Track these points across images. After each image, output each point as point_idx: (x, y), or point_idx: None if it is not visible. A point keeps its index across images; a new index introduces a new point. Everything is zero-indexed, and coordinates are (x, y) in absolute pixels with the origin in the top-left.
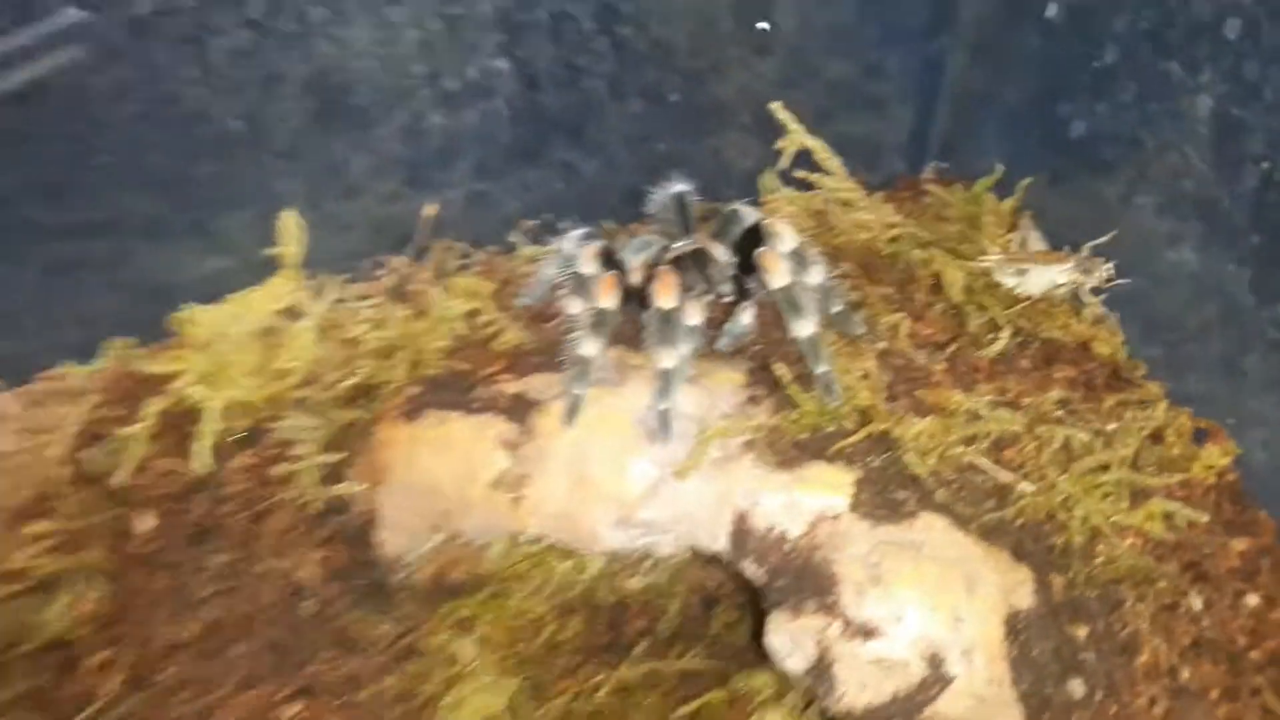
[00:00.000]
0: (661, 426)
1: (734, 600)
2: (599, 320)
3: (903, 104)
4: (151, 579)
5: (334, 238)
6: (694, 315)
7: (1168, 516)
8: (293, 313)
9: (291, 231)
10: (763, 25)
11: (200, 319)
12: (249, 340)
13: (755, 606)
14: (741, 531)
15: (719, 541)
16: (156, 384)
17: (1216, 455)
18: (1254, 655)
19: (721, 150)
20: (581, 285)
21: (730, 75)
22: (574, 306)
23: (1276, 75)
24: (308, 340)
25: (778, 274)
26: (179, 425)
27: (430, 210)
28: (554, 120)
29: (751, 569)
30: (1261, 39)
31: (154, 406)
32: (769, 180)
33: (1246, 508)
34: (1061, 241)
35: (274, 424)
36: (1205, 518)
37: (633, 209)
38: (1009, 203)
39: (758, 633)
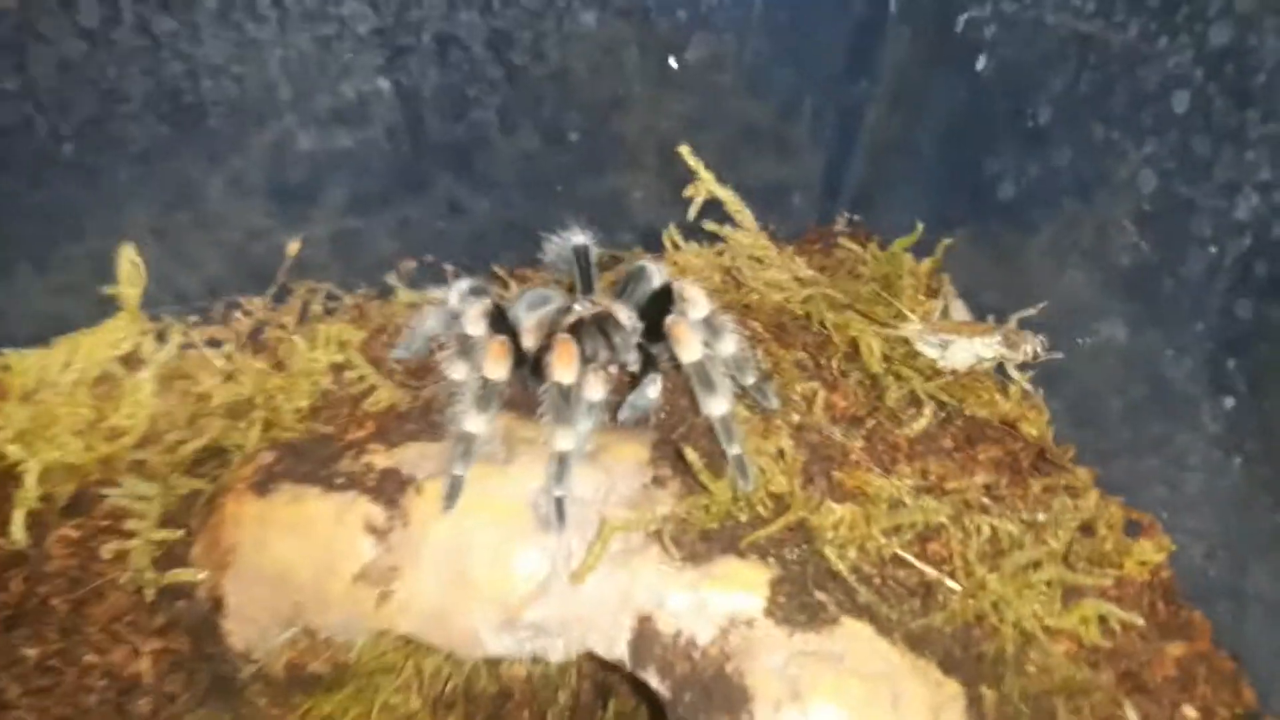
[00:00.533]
0: (556, 514)
1: (629, 686)
2: (485, 392)
3: (816, 150)
4: None
5: (183, 274)
6: (595, 390)
7: (1102, 620)
8: (132, 360)
9: (130, 267)
10: (672, 62)
11: (21, 366)
12: (79, 391)
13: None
14: (644, 636)
15: (618, 647)
16: None
17: (1150, 551)
18: None
19: (623, 193)
20: (467, 348)
21: (635, 113)
22: (457, 371)
23: (1228, 155)
24: (147, 393)
25: (689, 347)
26: None
27: (294, 247)
28: (439, 153)
29: (655, 680)
30: (1213, 116)
31: None
32: (673, 234)
33: (1181, 608)
34: (983, 308)
35: (105, 490)
36: (1140, 621)
37: (524, 252)
38: (927, 263)
39: None
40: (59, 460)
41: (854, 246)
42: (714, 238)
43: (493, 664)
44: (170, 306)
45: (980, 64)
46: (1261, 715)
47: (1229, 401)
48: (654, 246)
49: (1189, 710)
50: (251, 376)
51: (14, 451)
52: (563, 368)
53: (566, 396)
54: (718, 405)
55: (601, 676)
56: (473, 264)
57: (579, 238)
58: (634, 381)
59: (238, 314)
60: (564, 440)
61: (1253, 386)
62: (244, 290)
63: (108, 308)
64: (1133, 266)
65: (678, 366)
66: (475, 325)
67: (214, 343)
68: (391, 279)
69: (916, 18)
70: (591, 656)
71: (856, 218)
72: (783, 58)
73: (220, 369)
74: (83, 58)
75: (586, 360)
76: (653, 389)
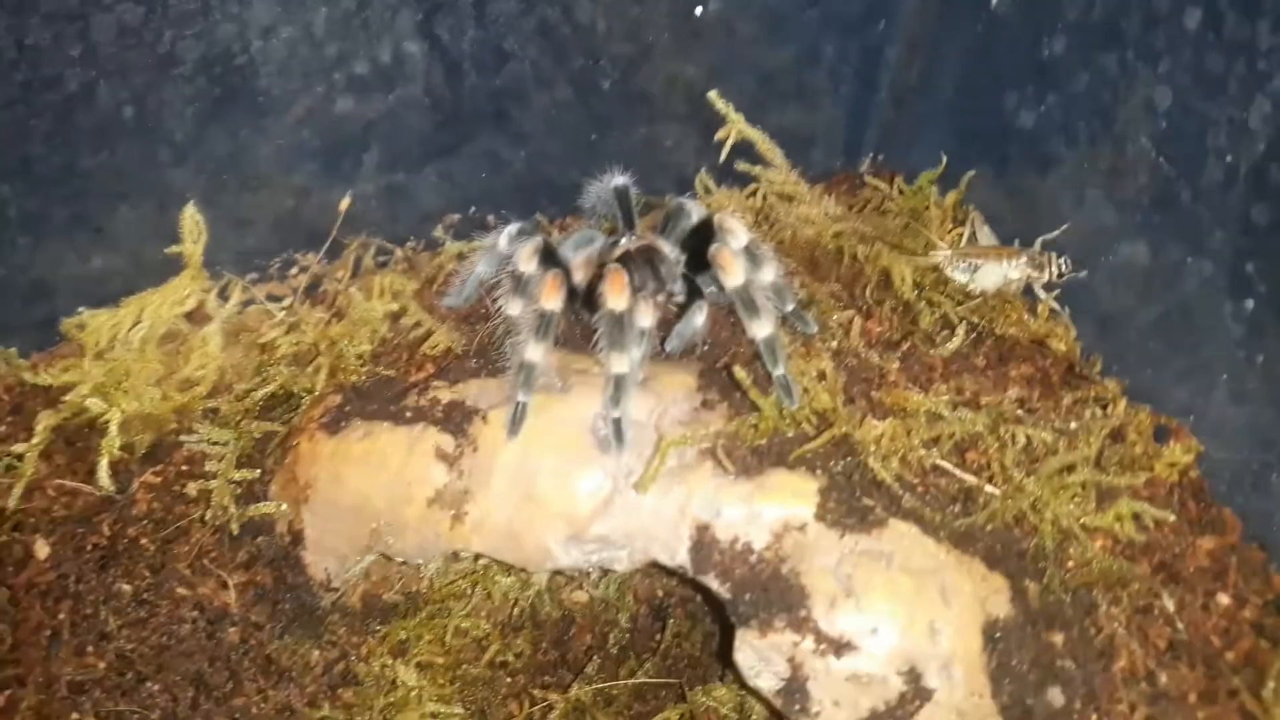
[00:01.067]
0: (615, 435)
1: (684, 609)
2: (543, 323)
3: (839, 94)
4: (51, 611)
5: (237, 234)
6: (645, 316)
7: (1136, 517)
8: (197, 316)
9: (193, 227)
10: (698, 11)
11: (94, 324)
12: (149, 347)
13: (707, 614)
14: (703, 545)
15: (679, 555)
16: (49, 396)
17: (1179, 453)
18: (1229, 656)
19: (655, 141)
20: (520, 285)
21: (662, 63)
22: (513, 307)
23: (1241, 68)
24: (215, 346)
25: (734, 273)
26: (75, 441)
27: (345, 202)
28: (477, 107)
29: (715, 584)
30: (1224, 30)
31: (46, 421)
32: (705, 179)
33: (1211, 505)
34: (1009, 236)
35: (182, 437)
36: (1172, 517)
37: (563, 204)
38: (953, 196)
39: (712, 642)
40: (136, 411)
41: (881, 184)
42: (744, 181)
43: (556, 590)
44: (227, 266)
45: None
46: None
47: (1249, 304)
48: (686, 192)
49: (1223, 598)
50: (313, 326)
51: (94, 405)
52: (615, 295)
53: (620, 323)
54: (762, 327)
55: (658, 601)
56: (514, 216)
57: (619, 179)
58: (679, 314)
59: (293, 270)
60: (619, 364)
61: (1271, 287)
62: (298, 247)
63: (169, 268)
64: (1151, 183)
65: (719, 301)
66: (528, 263)
67: (273, 298)
68: (438, 232)
69: None
70: (650, 576)
71: (881, 158)
72: (803, 3)
73: (282, 320)
74: (140, 22)
75: (636, 290)
76: (699, 316)
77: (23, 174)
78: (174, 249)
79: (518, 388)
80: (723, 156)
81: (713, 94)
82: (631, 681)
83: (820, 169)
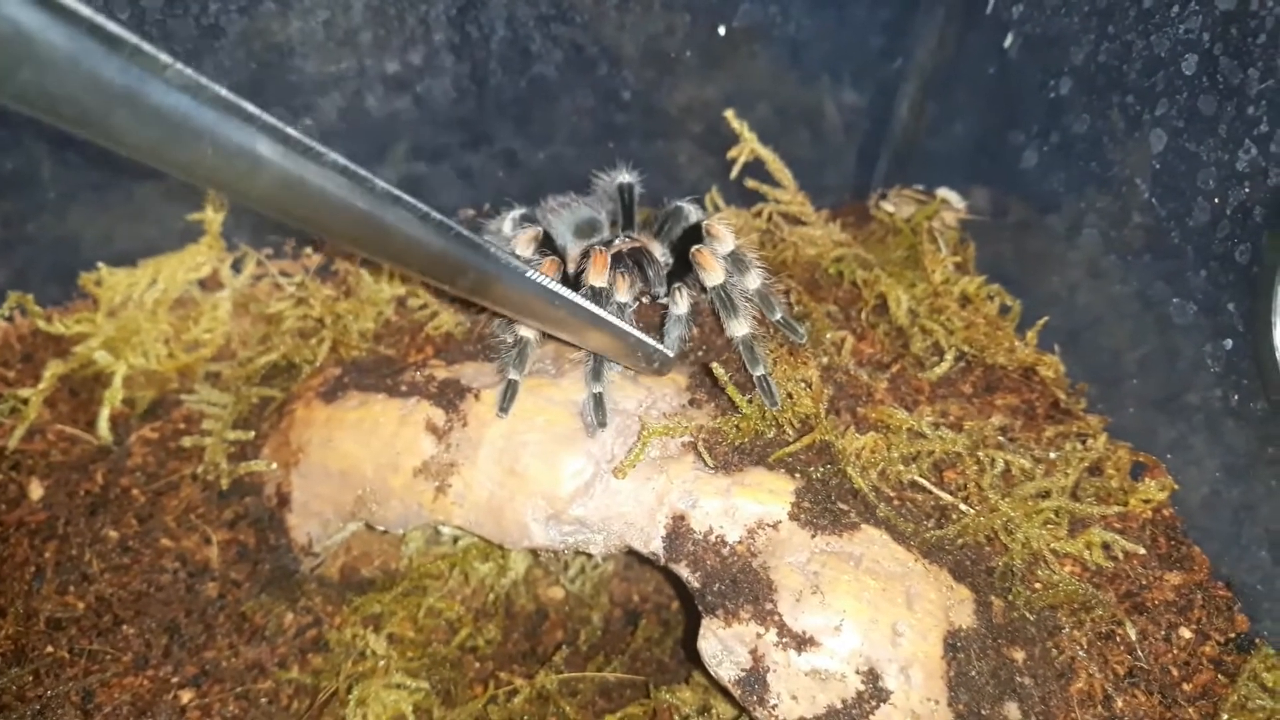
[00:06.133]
0: (595, 410)
1: (658, 616)
2: None
3: (853, 127)
4: (39, 549)
5: (257, 211)
6: (623, 292)
7: (1106, 546)
8: (210, 284)
9: (216, 197)
10: (720, 30)
11: (111, 281)
12: (161, 308)
13: (680, 621)
14: (678, 534)
15: (653, 543)
16: (59, 345)
17: (1154, 490)
18: (1186, 688)
19: (669, 156)
20: None
21: (683, 79)
22: None
23: (1231, 112)
24: (224, 313)
25: (713, 272)
26: (80, 391)
27: None
28: (501, 107)
29: (686, 572)
30: (1218, 75)
31: (54, 369)
32: (715, 196)
33: (1182, 543)
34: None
35: (182, 397)
36: (1142, 550)
37: None
38: (954, 231)
39: (683, 647)
40: (141, 367)
41: (885, 218)
42: (753, 200)
43: (532, 584)
44: (246, 238)
45: (1008, 41)
46: (1254, 638)
47: (1228, 344)
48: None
49: (1185, 632)
50: (320, 301)
51: (102, 358)
52: (596, 273)
53: (600, 298)
54: (739, 327)
55: (633, 605)
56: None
57: (625, 176)
58: (663, 319)
59: (307, 249)
60: None
61: (1249, 327)
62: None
63: (189, 235)
64: (1143, 222)
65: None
66: (526, 248)
67: (286, 273)
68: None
69: None
70: (626, 580)
71: (891, 191)
72: (822, 35)
73: (291, 295)
74: None
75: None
76: (682, 302)
77: (56, 133)
78: (195, 216)
79: (509, 365)
80: (734, 174)
81: (729, 112)
82: (598, 675)
83: (829, 200)
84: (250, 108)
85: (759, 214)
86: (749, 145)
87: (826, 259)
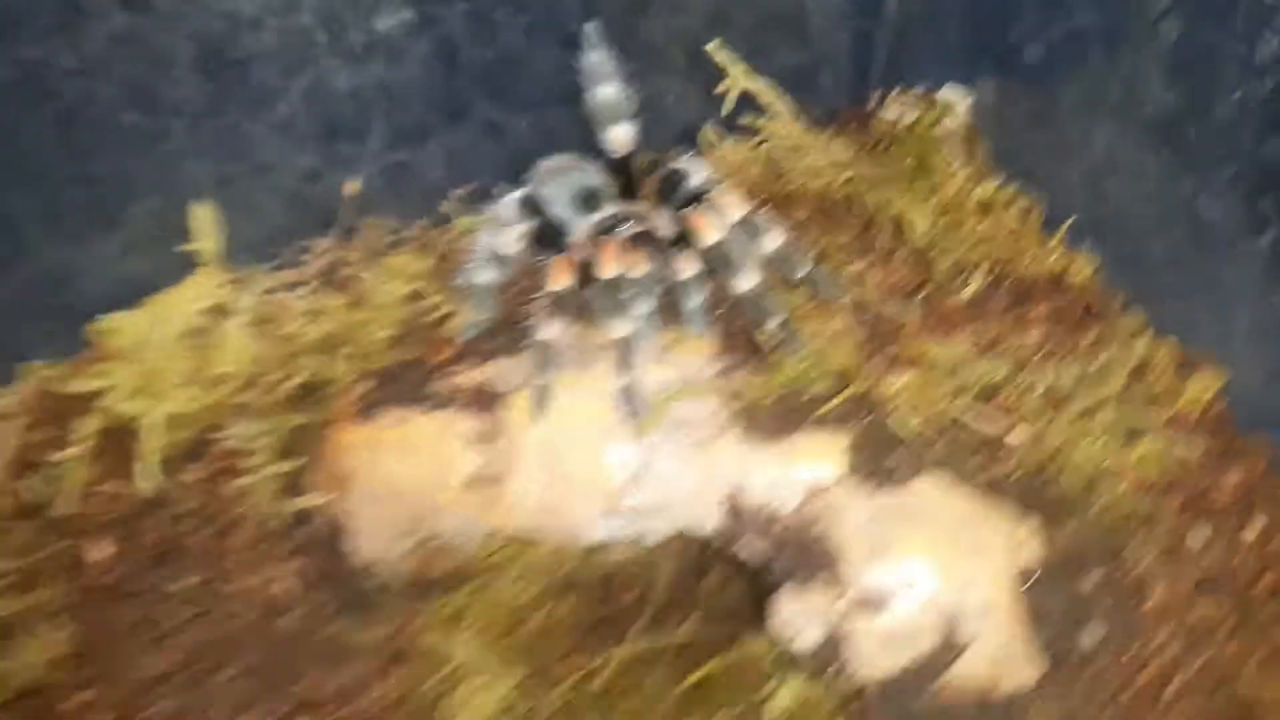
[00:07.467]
0: (629, 401)
1: (721, 564)
2: (556, 303)
3: (842, 30)
4: (118, 610)
5: (251, 223)
6: (637, 268)
7: (1161, 455)
8: (220, 311)
9: (206, 223)
10: None
11: (120, 326)
12: (176, 345)
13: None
14: (733, 511)
15: (709, 523)
16: (84, 402)
17: (1203, 385)
18: (1258, 590)
19: (656, 98)
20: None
21: (658, 14)
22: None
23: (1248, 1)
24: (241, 340)
25: (706, 233)
26: (116, 444)
27: (353, 186)
28: (474, 77)
29: (747, 549)
30: None
31: (89, 426)
32: (709, 134)
33: (1236, 436)
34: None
35: (218, 434)
36: (1198, 452)
37: None
38: (962, 131)
39: (752, 592)
40: (172, 411)
41: (888, 124)
42: (751, 131)
43: (593, 552)
44: (242, 257)
45: None
46: None
47: (1266, 237)
48: (691, 148)
49: (1250, 532)
50: (334, 314)
51: (132, 406)
52: (606, 266)
53: (614, 287)
54: (743, 282)
55: (695, 555)
56: (520, 184)
57: (619, 132)
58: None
59: (308, 256)
60: (620, 328)
61: None
62: (308, 234)
63: (185, 266)
64: (1161, 117)
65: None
66: (512, 247)
67: (292, 285)
68: (446, 207)
69: None
70: (686, 536)
71: (888, 93)
72: None
73: (304, 310)
74: (128, 29)
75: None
76: (689, 267)
77: (35, 180)
78: (189, 246)
79: (537, 369)
80: (725, 110)
81: (712, 45)
82: (676, 637)
83: (828, 105)
84: None
85: (758, 145)
86: (737, 78)
87: (834, 186)
